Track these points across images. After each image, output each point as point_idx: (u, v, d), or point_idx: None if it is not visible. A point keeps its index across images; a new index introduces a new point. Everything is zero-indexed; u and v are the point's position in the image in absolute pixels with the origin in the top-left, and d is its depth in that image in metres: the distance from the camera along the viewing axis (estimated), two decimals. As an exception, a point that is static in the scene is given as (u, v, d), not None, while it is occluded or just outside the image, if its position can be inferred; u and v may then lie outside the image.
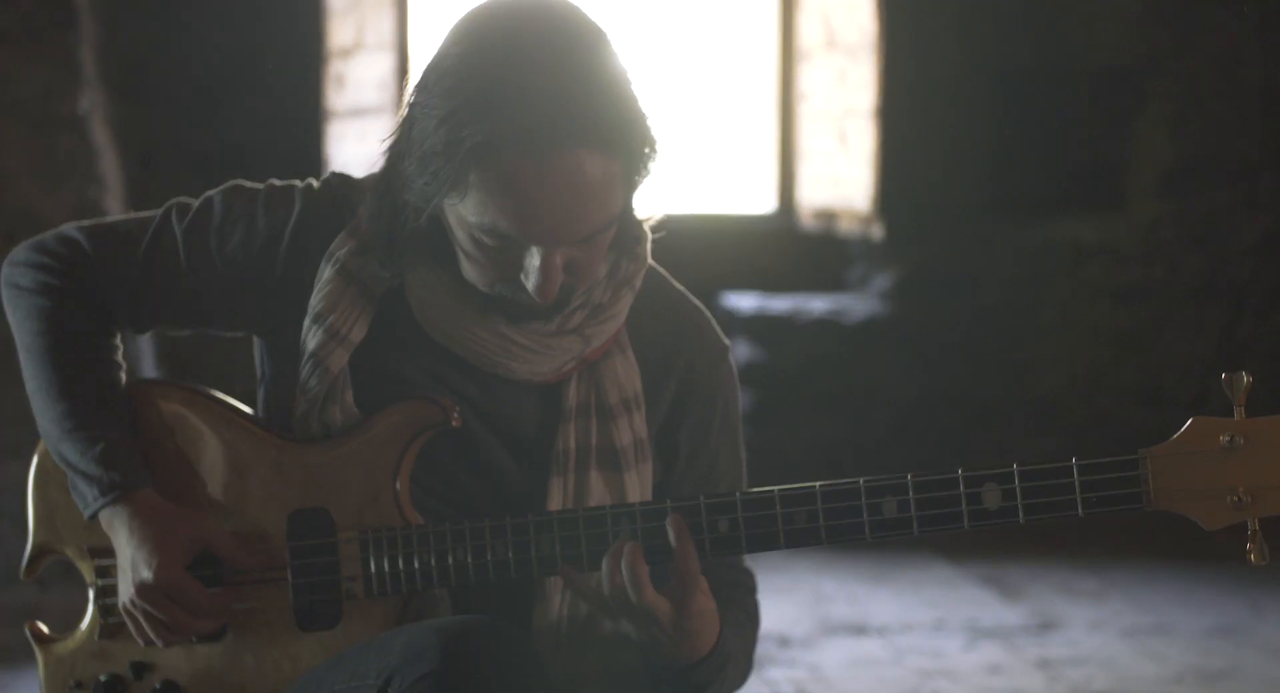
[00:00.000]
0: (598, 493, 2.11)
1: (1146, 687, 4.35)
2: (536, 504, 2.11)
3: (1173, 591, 5.18)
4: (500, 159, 1.90)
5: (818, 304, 6.22)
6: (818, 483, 2.00)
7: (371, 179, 2.12)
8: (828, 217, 6.33)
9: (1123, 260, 6.31)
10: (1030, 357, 6.30)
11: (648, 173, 1.98)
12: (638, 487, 2.13)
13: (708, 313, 2.23)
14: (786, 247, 6.41)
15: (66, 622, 2.26)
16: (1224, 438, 1.93)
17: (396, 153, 2.01)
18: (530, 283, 1.97)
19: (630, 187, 1.98)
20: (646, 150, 1.95)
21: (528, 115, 1.88)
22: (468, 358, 2.10)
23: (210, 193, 2.18)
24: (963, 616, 4.93)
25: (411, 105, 1.98)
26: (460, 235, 1.99)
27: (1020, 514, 1.96)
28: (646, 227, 2.12)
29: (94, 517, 2.13)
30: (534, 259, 1.96)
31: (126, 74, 5.50)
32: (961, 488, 1.97)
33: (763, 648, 4.55)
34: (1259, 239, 6.37)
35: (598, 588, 2.00)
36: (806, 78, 6.37)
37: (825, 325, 6.17)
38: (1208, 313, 6.35)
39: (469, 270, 2.02)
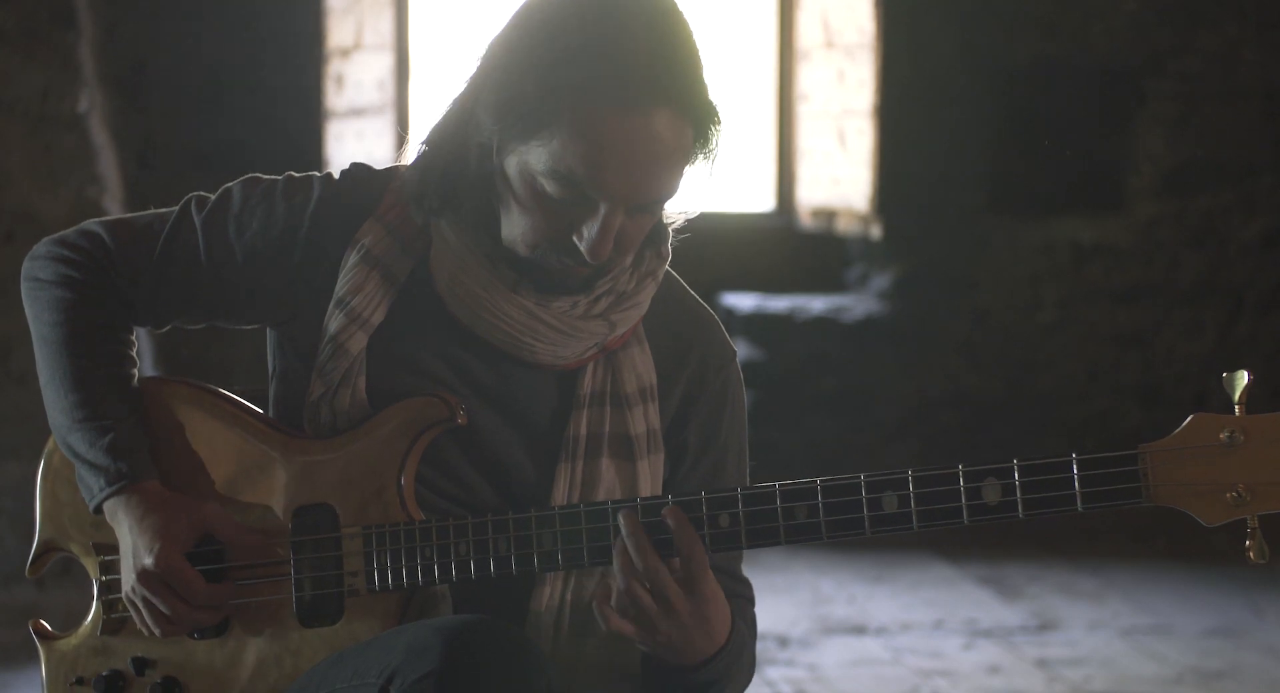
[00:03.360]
0: (608, 481, 2.12)
1: (1146, 687, 4.35)
2: (545, 496, 2.11)
3: (1172, 591, 5.19)
4: (593, 104, 1.93)
5: (816, 304, 6.22)
6: (818, 478, 2.00)
7: (394, 166, 2.15)
8: (826, 216, 6.33)
9: (1122, 260, 6.31)
10: (1029, 357, 6.30)
11: (704, 162, 2.01)
12: (649, 477, 2.13)
13: (717, 318, 2.25)
14: (785, 246, 6.41)
15: (65, 622, 2.26)
16: (1224, 435, 1.92)
17: (467, 102, 2.03)
18: (585, 242, 1.98)
19: (687, 168, 2.02)
20: (713, 136, 2.00)
21: (624, 67, 1.93)
22: (490, 339, 2.10)
23: (229, 184, 2.20)
24: (962, 616, 4.93)
25: (488, 58, 2.01)
26: (519, 187, 2.00)
27: (1020, 510, 1.96)
28: (670, 226, 2.15)
29: (99, 508, 2.14)
30: (596, 217, 1.97)
31: (126, 74, 5.49)
32: (961, 483, 1.97)
33: (762, 648, 4.56)
34: (1258, 239, 6.37)
35: (605, 585, 2.01)
36: (805, 78, 6.37)
37: (824, 325, 6.17)
38: (1207, 313, 6.35)
39: (517, 226, 2.02)
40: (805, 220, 6.40)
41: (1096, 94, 6.19)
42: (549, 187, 1.97)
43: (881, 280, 6.26)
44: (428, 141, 2.09)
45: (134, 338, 2.22)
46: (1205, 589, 5.19)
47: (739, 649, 2.08)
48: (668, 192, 2.00)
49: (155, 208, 2.23)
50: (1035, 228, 6.25)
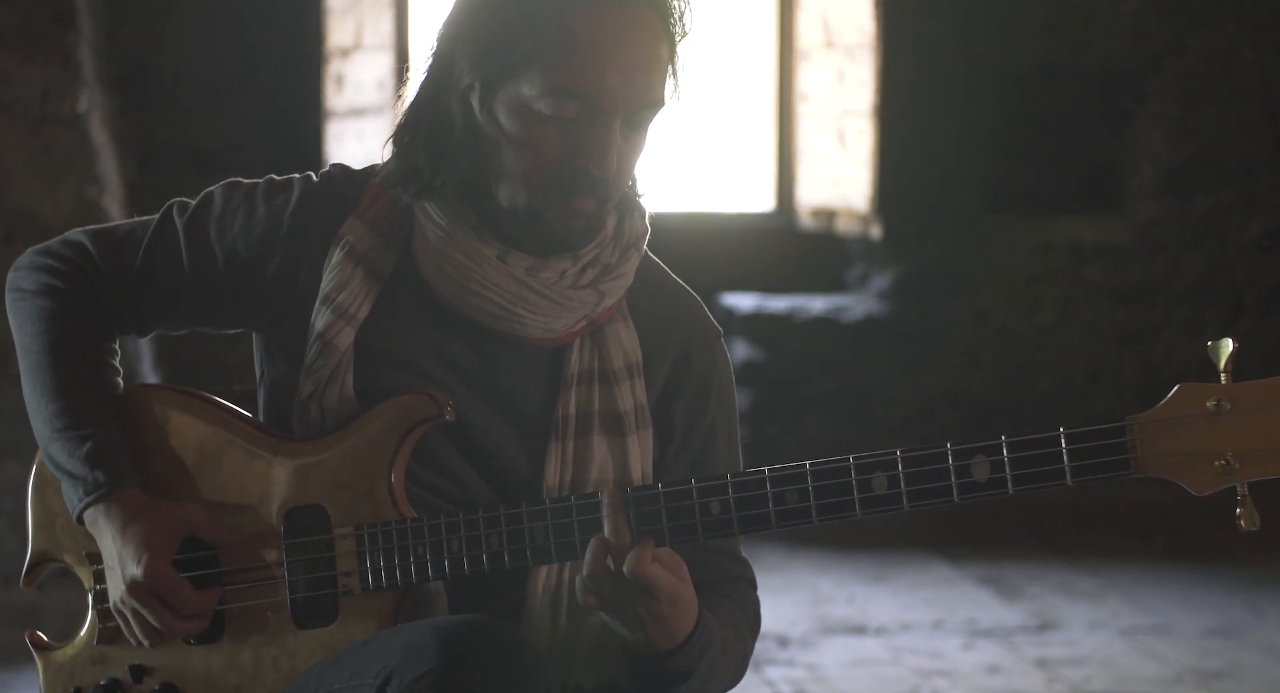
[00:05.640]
0: (600, 458, 2.12)
1: (1145, 687, 4.35)
2: (538, 484, 2.12)
3: (1172, 591, 5.18)
4: (576, 6, 1.98)
5: (816, 304, 6.22)
6: (807, 462, 2.00)
7: (373, 165, 2.17)
8: (826, 216, 6.33)
9: (1122, 260, 6.31)
10: (1029, 357, 6.31)
11: (676, 78, 2.06)
12: (639, 453, 2.14)
13: (699, 299, 2.25)
14: (785, 246, 6.41)
15: (65, 623, 2.26)
16: (1210, 403, 1.91)
17: (439, 72, 2.07)
18: (592, 156, 2.00)
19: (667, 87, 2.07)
20: (679, 62, 2.05)
21: None
22: (478, 317, 2.10)
23: (210, 188, 2.21)
24: (961, 616, 4.93)
25: (452, 24, 2.06)
26: (514, 125, 2.02)
27: (1009, 485, 1.95)
28: (642, 199, 2.17)
29: (80, 518, 2.14)
30: (597, 129, 2.00)
31: (126, 74, 5.50)
32: (950, 461, 1.96)
33: (762, 647, 4.55)
34: (1258, 239, 6.37)
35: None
36: (805, 77, 6.37)
37: (824, 325, 6.17)
38: (1207, 313, 6.36)
39: (517, 171, 2.04)
40: (805, 220, 6.40)
41: (1096, 94, 6.20)
42: (546, 107, 2.00)
43: (881, 280, 6.26)
44: (396, 137, 2.11)
45: (117, 346, 2.23)
46: (1205, 589, 5.19)
47: (702, 648, 2.07)
48: (658, 96, 2.03)
49: (155, 208, 2.24)
50: (1035, 228, 6.25)
